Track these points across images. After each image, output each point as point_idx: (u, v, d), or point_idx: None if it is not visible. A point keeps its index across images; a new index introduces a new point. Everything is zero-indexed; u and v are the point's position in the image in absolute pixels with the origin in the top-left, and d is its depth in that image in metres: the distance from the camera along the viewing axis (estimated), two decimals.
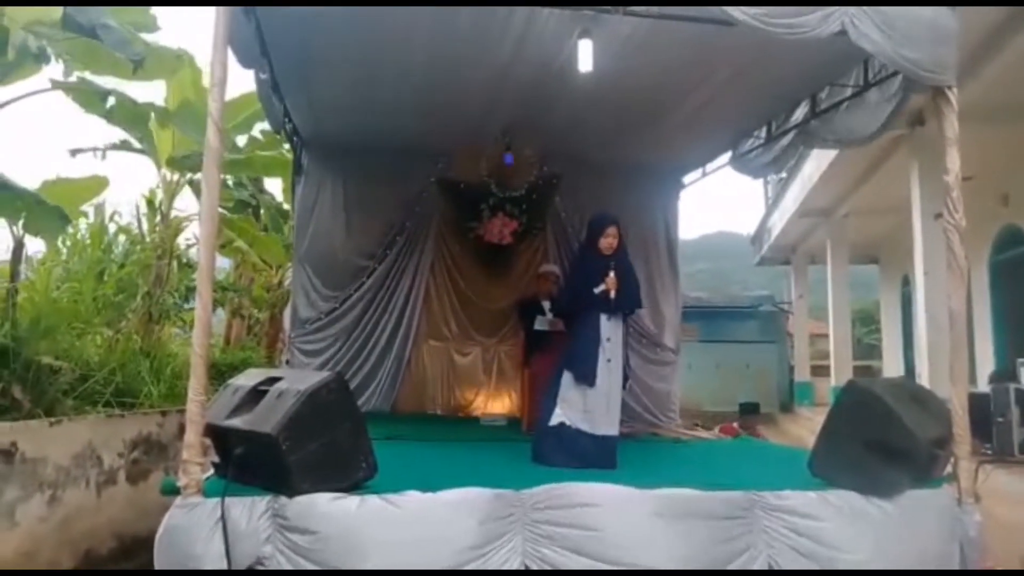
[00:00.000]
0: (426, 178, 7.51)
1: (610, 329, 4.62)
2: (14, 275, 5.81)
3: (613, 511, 3.32)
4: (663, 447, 6.07)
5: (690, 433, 7.11)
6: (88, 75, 6.23)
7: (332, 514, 3.14)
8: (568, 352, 4.71)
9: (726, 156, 7.25)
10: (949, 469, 3.82)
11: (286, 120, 6.33)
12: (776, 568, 3.41)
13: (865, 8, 3.80)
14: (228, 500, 3.12)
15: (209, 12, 3.45)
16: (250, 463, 3.20)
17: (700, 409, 13.74)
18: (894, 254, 15.94)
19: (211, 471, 3.45)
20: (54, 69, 5.92)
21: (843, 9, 3.78)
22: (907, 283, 14.69)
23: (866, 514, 3.48)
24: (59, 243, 7.00)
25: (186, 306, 8.18)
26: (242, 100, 7.43)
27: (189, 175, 7.80)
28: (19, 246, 5.91)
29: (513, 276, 7.72)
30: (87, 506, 5.03)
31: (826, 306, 15.59)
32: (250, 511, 3.18)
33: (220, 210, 5.98)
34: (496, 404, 7.65)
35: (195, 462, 3.22)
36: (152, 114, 6.41)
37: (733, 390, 16.99)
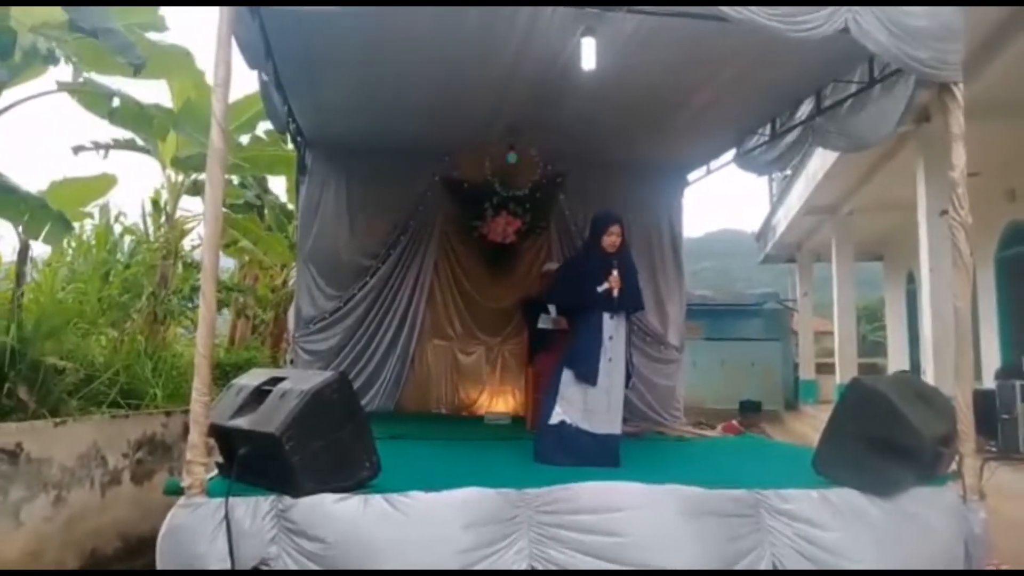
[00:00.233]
0: (430, 177, 7.51)
1: (612, 328, 4.61)
2: (20, 276, 5.83)
3: (620, 510, 3.32)
4: (667, 445, 6.06)
5: (694, 431, 7.10)
6: (95, 76, 6.25)
7: (337, 516, 3.15)
8: (569, 350, 4.70)
9: (730, 154, 7.22)
10: (954, 466, 3.80)
11: (290, 120, 6.33)
12: (780, 567, 3.40)
13: (870, 7, 3.79)
14: (232, 500, 3.13)
15: (213, 12, 3.46)
16: (254, 463, 3.21)
17: (704, 407, 13.71)
18: (899, 251, 15.89)
19: (215, 471, 3.45)
20: (63, 71, 5.96)
21: (847, 7, 3.76)
22: (912, 280, 14.65)
23: (869, 517, 3.47)
24: (64, 244, 7.02)
25: (191, 306, 8.18)
26: (246, 101, 7.44)
27: (194, 175, 7.81)
28: (25, 247, 5.92)
29: (517, 275, 7.71)
30: (92, 506, 5.04)
31: (831, 303, 15.55)
32: (254, 511, 3.18)
33: (224, 210, 6.01)
34: (500, 403, 7.65)
35: (199, 462, 3.22)
36: (155, 118, 6.41)
37: (738, 388, 16.94)
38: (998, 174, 9.33)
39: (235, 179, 9.31)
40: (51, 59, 5.61)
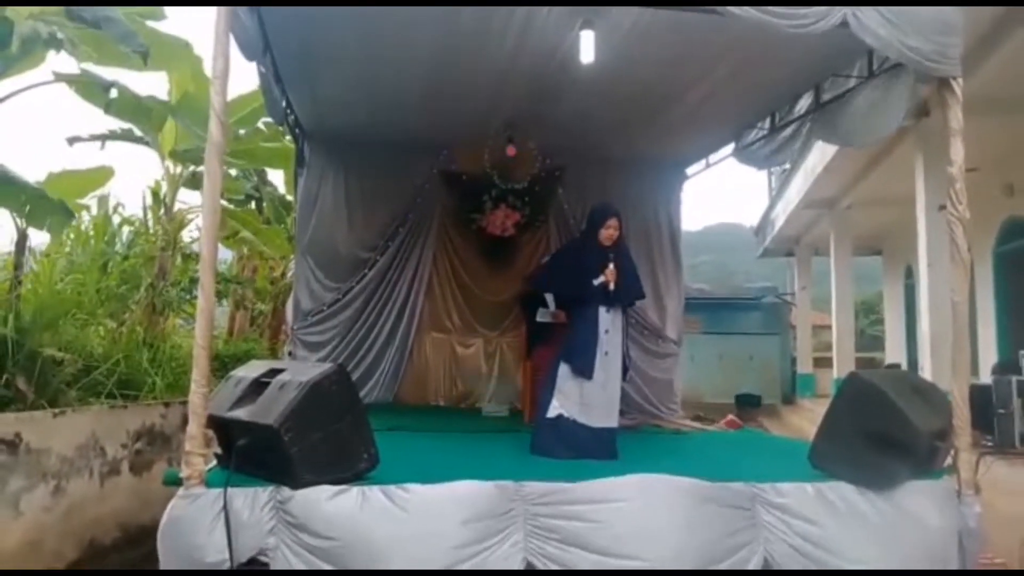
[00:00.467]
0: (429, 170, 7.51)
1: (609, 321, 4.61)
2: (18, 266, 5.83)
3: (614, 502, 3.33)
4: (664, 439, 6.08)
5: (692, 425, 7.12)
6: (92, 66, 6.23)
7: (335, 508, 3.16)
8: (566, 344, 4.70)
9: (729, 147, 7.23)
10: (949, 461, 3.82)
11: (288, 112, 6.32)
12: (772, 564, 3.42)
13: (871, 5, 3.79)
14: (230, 491, 3.14)
15: (211, 7, 3.45)
16: (252, 454, 3.22)
17: (703, 401, 13.75)
18: (898, 246, 15.90)
19: (214, 462, 3.47)
20: (65, 60, 5.93)
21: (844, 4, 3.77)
22: (910, 275, 14.66)
23: (864, 511, 3.48)
24: (63, 235, 7.02)
25: (189, 297, 8.19)
26: (249, 95, 7.42)
27: (192, 167, 7.80)
28: (23, 238, 5.93)
29: (516, 268, 7.71)
30: (91, 496, 5.06)
31: (829, 298, 15.56)
32: (252, 502, 3.20)
33: (223, 202, 6.01)
34: (498, 395, 7.66)
35: (198, 453, 3.24)
36: (152, 109, 6.40)
37: (736, 382, 17.00)
38: (996, 169, 9.33)
39: (233, 171, 9.31)
40: (53, 43, 5.58)
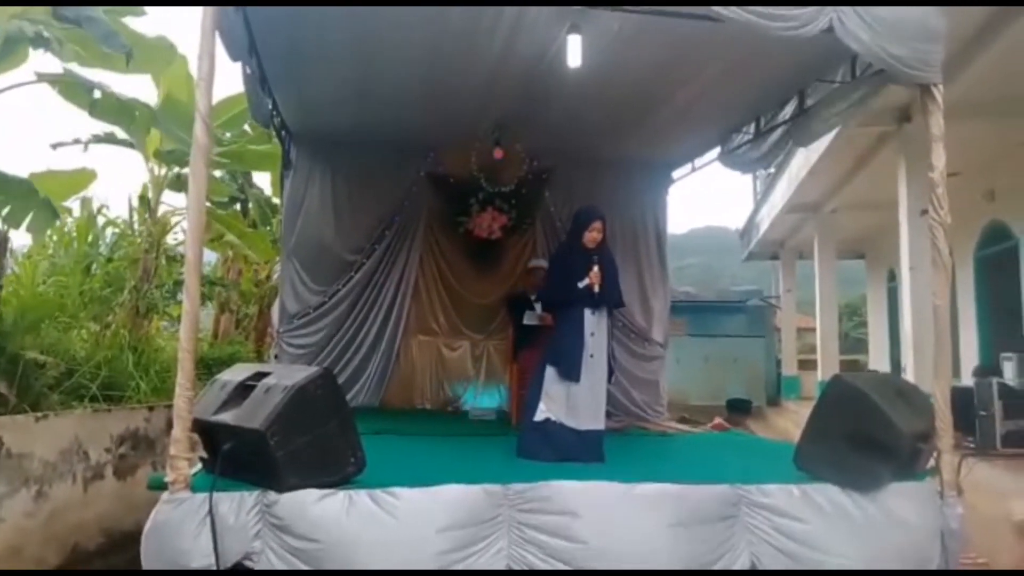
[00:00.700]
0: (416, 172, 7.50)
1: (594, 324, 4.61)
2: None
3: (599, 511, 3.35)
4: (650, 441, 6.10)
5: (678, 427, 7.15)
6: (76, 67, 6.18)
7: (321, 512, 3.15)
8: (552, 347, 4.70)
9: (715, 151, 7.27)
10: (932, 463, 3.86)
11: (274, 114, 6.30)
12: (759, 565, 3.44)
13: (854, 7, 3.83)
14: (216, 495, 3.12)
15: (196, 7, 3.43)
16: (238, 458, 3.20)
17: (688, 403, 13.79)
18: (881, 249, 16.04)
19: (199, 466, 3.44)
20: (47, 61, 5.87)
21: (832, 7, 3.80)
22: (893, 278, 14.79)
23: (848, 512, 3.52)
24: (46, 237, 6.95)
25: (174, 300, 8.13)
26: (237, 96, 7.38)
27: (176, 169, 7.75)
28: (4, 239, 5.86)
29: (502, 271, 7.72)
30: (74, 501, 5.01)
31: (813, 300, 15.66)
32: (238, 506, 3.18)
33: (208, 205, 5.96)
34: (485, 399, 7.65)
35: (183, 457, 3.21)
36: (136, 111, 6.35)
37: (721, 384, 17.05)
38: (978, 174, 9.44)
39: (218, 173, 9.25)
40: (39, 42, 5.53)
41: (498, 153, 7.07)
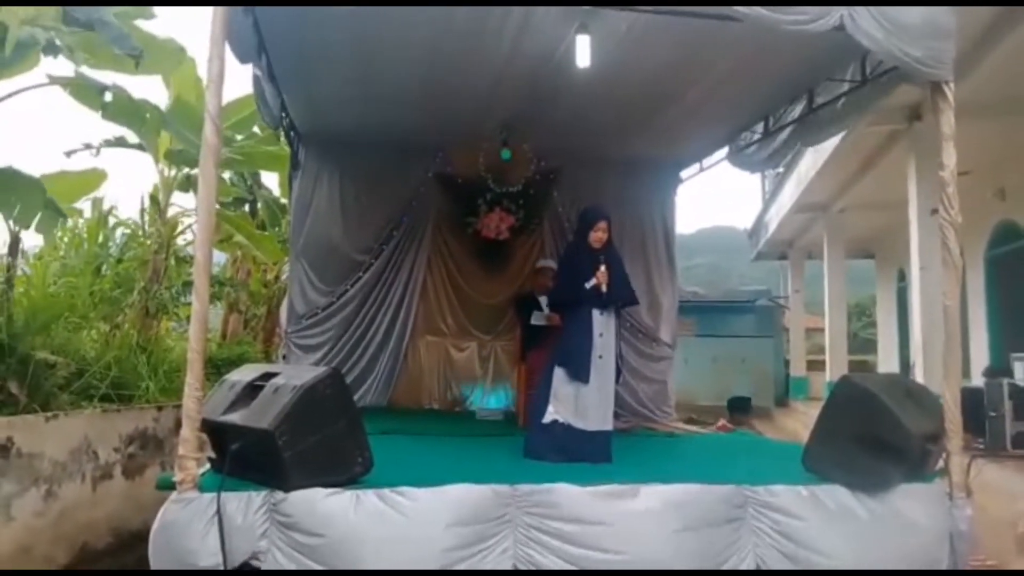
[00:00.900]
0: (424, 173, 7.50)
1: (603, 324, 4.60)
2: (10, 269, 5.80)
3: (606, 517, 3.34)
4: (658, 442, 6.08)
5: (686, 427, 7.13)
6: (87, 70, 6.21)
7: (329, 511, 3.16)
8: (560, 348, 4.69)
9: (724, 151, 7.25)
10: (941, 464, 3.84)
11: (283, 115, 6.32)
12: (764, 566, 3.43)
13: (866, 6, 3.81)
14: (224, 495, 3.14)
15: (206, 7, 3.44)
16: (246, 458, 3.21)
17: (696, 404, 13.76)
18: (890, 249, 15.96)
19: (207, 466, 3.46)
20: (59, 64, 5.91)
21: (843, 6, 3.78)
22: (903, 278, 14.71)
23: (857, 514, 3.50)
24: (56, 238, 6.99)
25: (183, 301, 8.17)
26: (246, 98, 7.40)
27: (186, 170, 7.78)
28: (15, 240, 5.90)
29: (510, 271, 7.71)
30: (83, 501, 5.04)
31: (822, 301, 15.58)
32: (246, 506, 3.19)
33: (217, 206, 5.99)
34: (492, 399, 7.65)
35: (191, 457, 3.23)
36: (147, 112, 6.38)
37: (729, 384, 17.00)
38: (989, 173, 9.37)
39: (227, 174, 9.29)
40: (51, 49, 5.56)
41: (506, 153, 7.07)
